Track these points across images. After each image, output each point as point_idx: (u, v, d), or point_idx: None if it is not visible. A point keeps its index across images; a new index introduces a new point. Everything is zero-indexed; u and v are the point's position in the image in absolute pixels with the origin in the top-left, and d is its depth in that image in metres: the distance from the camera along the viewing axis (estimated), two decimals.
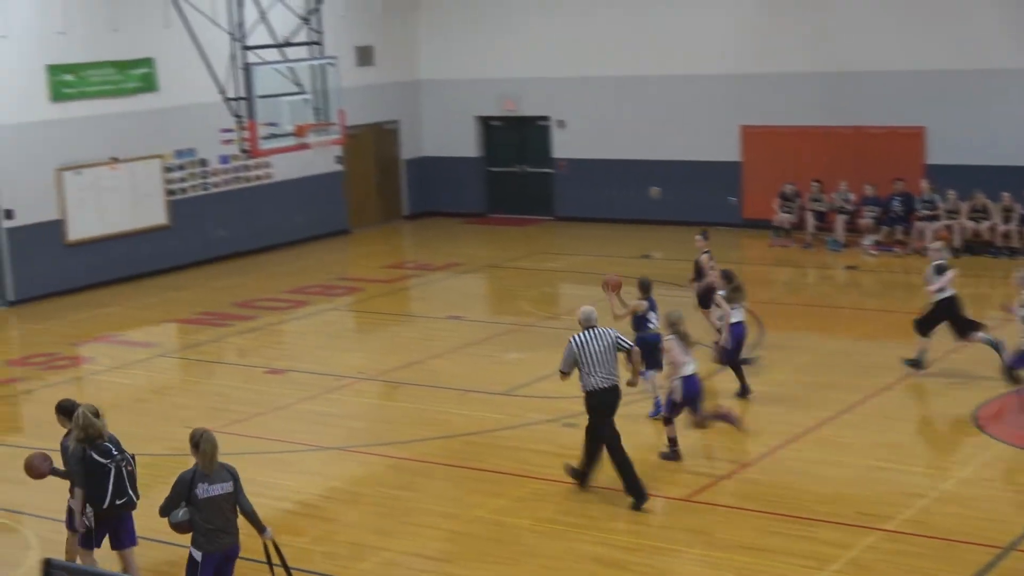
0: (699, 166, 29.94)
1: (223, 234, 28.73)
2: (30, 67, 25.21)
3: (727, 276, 17.64)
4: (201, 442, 10.96)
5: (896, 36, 27.49)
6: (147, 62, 27.04)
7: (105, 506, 11.69)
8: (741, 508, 13.78)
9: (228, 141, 26.70)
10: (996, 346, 17.61)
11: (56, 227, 25.78)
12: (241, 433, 16.94)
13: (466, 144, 33.07)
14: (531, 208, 32.50)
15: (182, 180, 27.97)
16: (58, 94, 25.64)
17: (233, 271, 27.76)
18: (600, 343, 13.94)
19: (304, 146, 23.34)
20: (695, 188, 29.94)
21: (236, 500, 11.07)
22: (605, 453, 14.21)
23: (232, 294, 25.45)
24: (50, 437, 16.37)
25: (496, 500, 14.34)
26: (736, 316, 17.21)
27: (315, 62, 23.33)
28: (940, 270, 17.86)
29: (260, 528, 11.19)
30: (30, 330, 23.62)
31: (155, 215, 27.46)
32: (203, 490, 10.87)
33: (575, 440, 16.02)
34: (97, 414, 11.83)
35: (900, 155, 27.52)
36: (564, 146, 31.80)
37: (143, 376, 20.25)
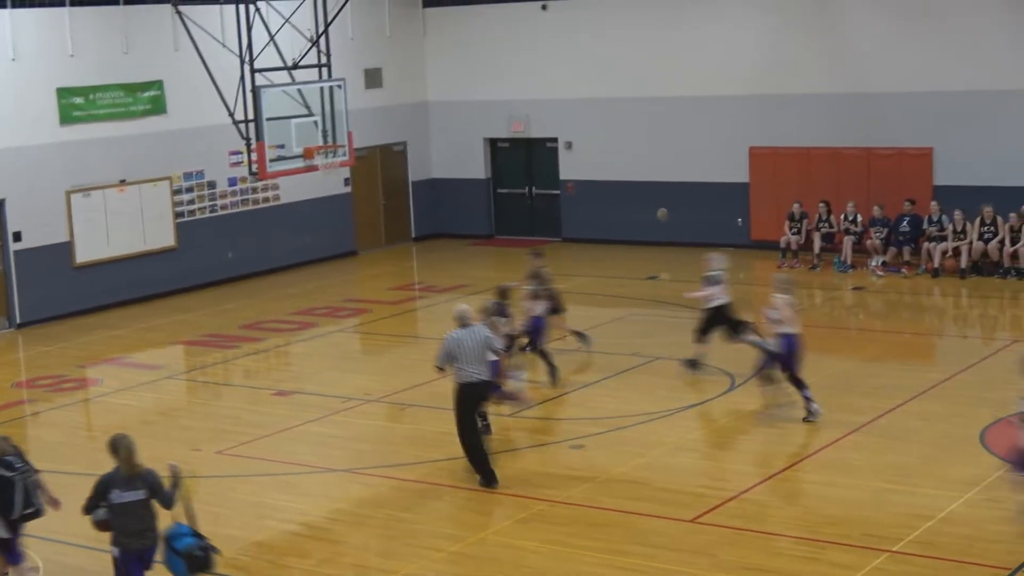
0: (707, 187, 29.94)
1: (231, 256, 28.77)
2: (40, 89, 25.30)
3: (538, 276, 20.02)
4: (119, 447, 11.44)
5: (904, 58, 27.49)
6: (156, 85, 27.12)
7: (15, 516, 12.22)
8: (748, 530, 13.73)
9: (236, 163, 26.81)
10: (764, 347, 17.94)
11: (64, 249, 25.83)
12: (247, 455, 16.94)
13: (474, 166, 33.12)
14: (539, 230, 32.51)
15: (190, 202, 28.03)
16: (67, 116, 25.72)
17: (241, 293, 27.78)
18: (473, 340, 15.01)
19: (312, 168, 23.35)
20: (703, 209, 29.94)
21: (151, 505, 11.48)
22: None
23: (239, 316, 25.47)
24: (62, 460, 16.42)
25: (501, 522, 14.31)
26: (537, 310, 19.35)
27: (323, 84, 23.38)
28: (710, 281, 19.26)
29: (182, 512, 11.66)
30: (37, 352, 23.64)
31: (163, 237, 27.51)
32: (116, 496, 11.37)
33: (582, 462, 16.03)
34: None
35: (908, 176, 27.50)
36: (572, 167, 31.82)
37: (150, 398, 20.25)
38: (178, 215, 27.76)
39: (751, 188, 29.44)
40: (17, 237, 25.14)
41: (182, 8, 23.56)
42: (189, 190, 27.97)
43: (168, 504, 11.56)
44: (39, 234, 25.42)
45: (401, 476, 15.98)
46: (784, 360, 17.13)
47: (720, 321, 19.56)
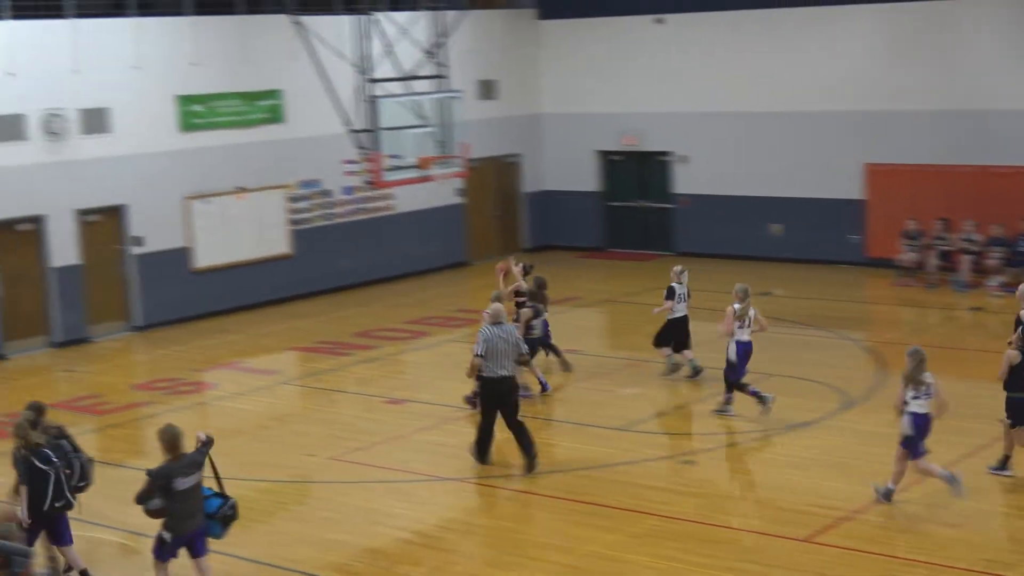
0: (822, 204, 29.67)
1: (345, 264, 29.03)
2: (161, 97, 25.75)
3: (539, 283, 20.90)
4: (177, 438, 12.12)
5: (1021, 75, 27.04)
6: (274, 94, 27.48)
7: (45, 508, 12.73)
8: (862, 550, 13.55)
9: (352, 172, 26.98)
10: (697, 371, 20.10)
11: (183, 254, 26.25)
12: (360, 462, 17.07)
13: (586, 178, 33.13)
14: (651, 243, 32.43)
15: (306, 210, 28.34)
16: (188, 124, 26.15)
17: (354, 301, 28.03)
18: (504, 340, 16.14)
19: (427, 178, 23.54)
20: (818, 226, 29.67)
21: (201, 486, 12.29)
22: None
23: (353, 324, 25.70)
24: None
25: (611, 535, 14.28)
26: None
27: (439, 95, 23.55)
28: (669, 293, 20.18)
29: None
30: (156, 355, 24.05)
31: (279, 244, 27.86)
32: (180, 483, 12.01)
33: (693, 477, 15.97)
34: (35, 424, 12.90)
35: None
36: (685, 181, 31.71)
37: (265, 403, 20.50)
38: (294, 223, 28.09)
39: (867, 205, 29.12)
40: (137, 242, 25.59)
41: (301, 18, 23.86)
42: (305, 198, 28.29)
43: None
44: (159, 239, 25.86)
45: (511, 487, 16.01)
46: (737, 366, 18.20)
47: (675, 332, 20.41)
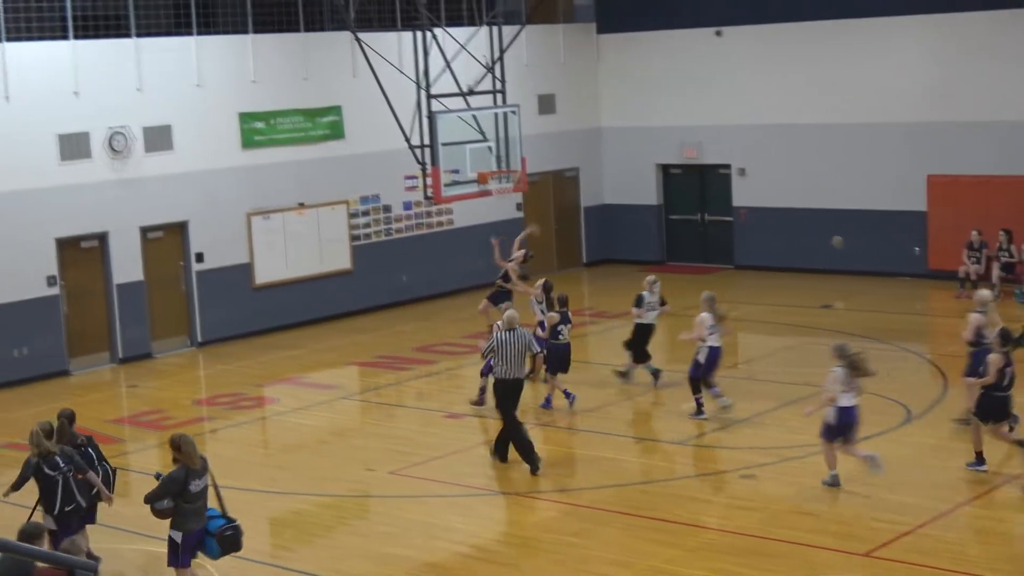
0: (883, 216, 29.47)
1: (405, 279, 29.14)
2: (223, 114, 25.99)
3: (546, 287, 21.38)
4: (183, 444, 12.58)
5: None
6: (335, 110, 27.67)
7: (55, 512, 13.36)
8: (925, 565, 13.42)
9: (412, 187, 27.19)
10: (656, 375, 21.00)
11: (244, 270, 26.46)
12: (420, 476, 17.12)
13: (646, 192, 33.10)
14: (711, 256, 32.36)
15: (366, 226, 28.49)
16: (249, 141, 26.37)
17: (413, 315, 28.13)
18: (518, 345, 17.15)
19: (486, 193, 23.58)
20: (879, 238, 29.47)
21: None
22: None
23: (412, 339, 25.78)
24: (236, 476, 16.78)
25: (670, 550, 14.24)
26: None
27: (498, 110, 23.60)
28: (638, 301, 21.02)
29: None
30: (217, 370, 24.24)
31: (339, 260, 28.02)
32: (195, 485, 12.56)
33: (752, 491, 15.89)
34: (50, 433, 13.53)
35: None
36: (745, 194, 31.62)
37: (325, 417, 20.61)
38: (354, 238, 28.24)
39: (929, 217, 28.90)
40: (200, 258, 25.83)
41: (361, 35, 24.02)
42: (365, 213, 28.45)
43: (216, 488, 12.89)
44: (220, 255, 26.10)
45: (570, 501, 16.01)
46: (703, 368, 19.03)
47: (639, 339, 21.17)
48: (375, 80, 23.58)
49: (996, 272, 26.93)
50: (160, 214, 25.26)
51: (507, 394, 17.27)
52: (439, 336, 25.84)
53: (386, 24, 28.20)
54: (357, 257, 28.31)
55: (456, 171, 22.87)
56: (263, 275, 26.76)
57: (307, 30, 27.31)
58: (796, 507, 15.32)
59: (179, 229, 25.68)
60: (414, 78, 23.14)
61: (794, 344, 23.89)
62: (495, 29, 24.42)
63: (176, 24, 25.84)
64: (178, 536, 12.61)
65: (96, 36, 24.43)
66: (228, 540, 12.74)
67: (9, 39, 23.33)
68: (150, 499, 12.59)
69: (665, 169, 32.96)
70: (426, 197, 23.17)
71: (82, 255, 24.49)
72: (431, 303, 29.30)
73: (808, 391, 19.18)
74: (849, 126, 29.76)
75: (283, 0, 27.09)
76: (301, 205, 27.25)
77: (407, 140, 23.15)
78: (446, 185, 22.62)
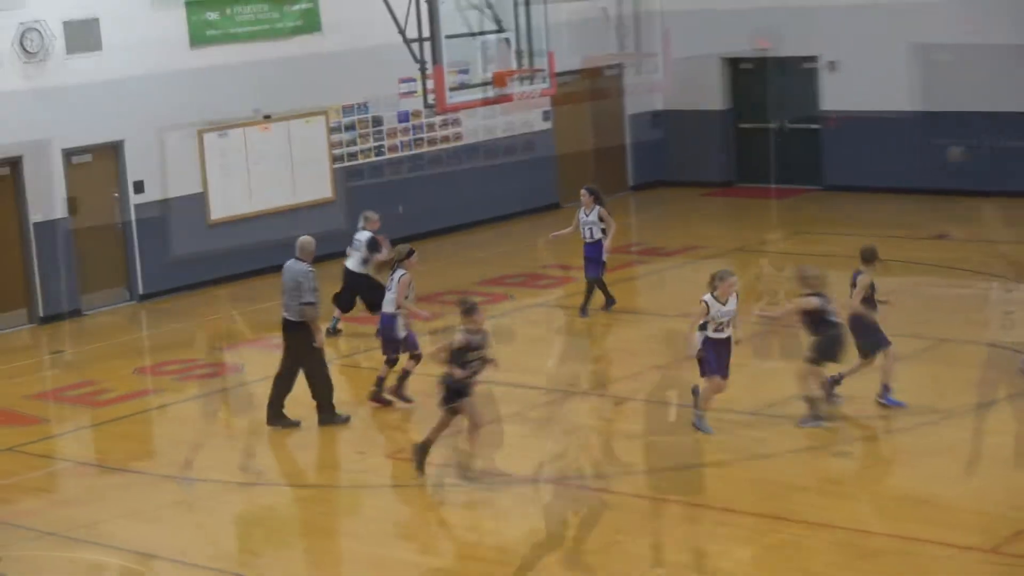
0: (1011, 118, 29.34)
1: (401, 210, 29.15)
2: (165, 5, 25.86)
3: None
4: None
5: None
6: None
7: None
8: None
9: (408, 93, 27.14)
10: None
11: (196, 202, 26.56)
12: (427, 460, 17.20)
13: (709, 94, 33.08)
14: (793, 176, 32.32)
15: (351, 143, 28.55)
16: (198, 37, 26.37)
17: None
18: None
19: (504, 99, 23.59)
20: (1008, 149, 29.38)
21: None
22: None
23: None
24: (196, 465, 16.91)
25: (744, 548, 14.36)
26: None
27: None
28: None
29: None
30: (164, 331, 24.37)
31: (317, 187, 28.09)
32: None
33: (847, 473, 16.02)
34: None
35: None
36: (836, 95, 31.57)
37: (301, 387, 20.58)
38: (336, 159, 28.30)
39: None
40: (139, 188, 25.90)
41: None
42: (349, 128, 28.51)
43: None
44: (165, 184, 26.16)
45: (618, 488, 16.03)
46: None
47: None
48: None
49: None
50: (87, 132, 25.35)
51: None
52: (446, 282, 25.66)
53: None
54: (340, 183, 28.38)
55: (465, 71, 22.89)
56: (220, 209, 26.85)
57: None
58: (901, 492, 15.43)
59: (112, 151, 25.78)
60: None
61: (898, 286, 23.79)
62: None
63: None
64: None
65: None
66: None
67: None
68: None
69: (734, 64, 32.92)
70: (426, 105, 23.24)
71: None
72: (435, 240, 29.27)
73: (917, 345, 19.21)
74: (970, 3, 29.57)
75: None
76: (267, 118, 27.31)
77: (401, 32, 23.16)
78: (452, 89, 22.66)
